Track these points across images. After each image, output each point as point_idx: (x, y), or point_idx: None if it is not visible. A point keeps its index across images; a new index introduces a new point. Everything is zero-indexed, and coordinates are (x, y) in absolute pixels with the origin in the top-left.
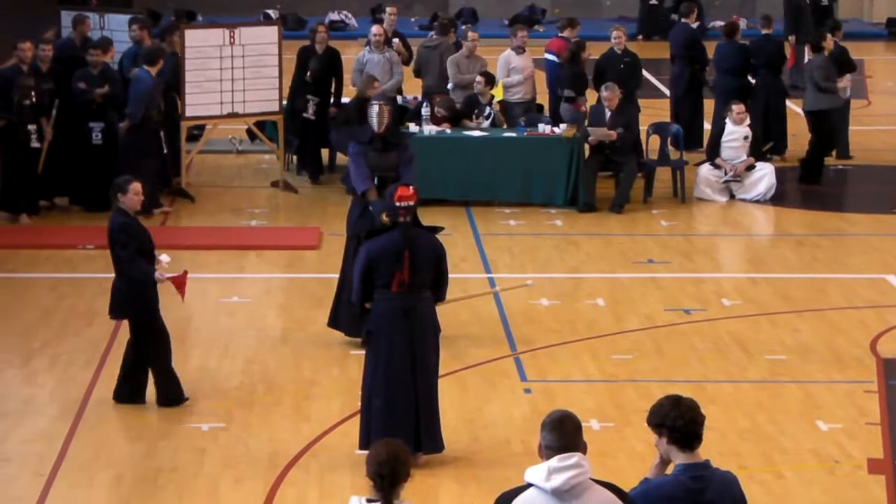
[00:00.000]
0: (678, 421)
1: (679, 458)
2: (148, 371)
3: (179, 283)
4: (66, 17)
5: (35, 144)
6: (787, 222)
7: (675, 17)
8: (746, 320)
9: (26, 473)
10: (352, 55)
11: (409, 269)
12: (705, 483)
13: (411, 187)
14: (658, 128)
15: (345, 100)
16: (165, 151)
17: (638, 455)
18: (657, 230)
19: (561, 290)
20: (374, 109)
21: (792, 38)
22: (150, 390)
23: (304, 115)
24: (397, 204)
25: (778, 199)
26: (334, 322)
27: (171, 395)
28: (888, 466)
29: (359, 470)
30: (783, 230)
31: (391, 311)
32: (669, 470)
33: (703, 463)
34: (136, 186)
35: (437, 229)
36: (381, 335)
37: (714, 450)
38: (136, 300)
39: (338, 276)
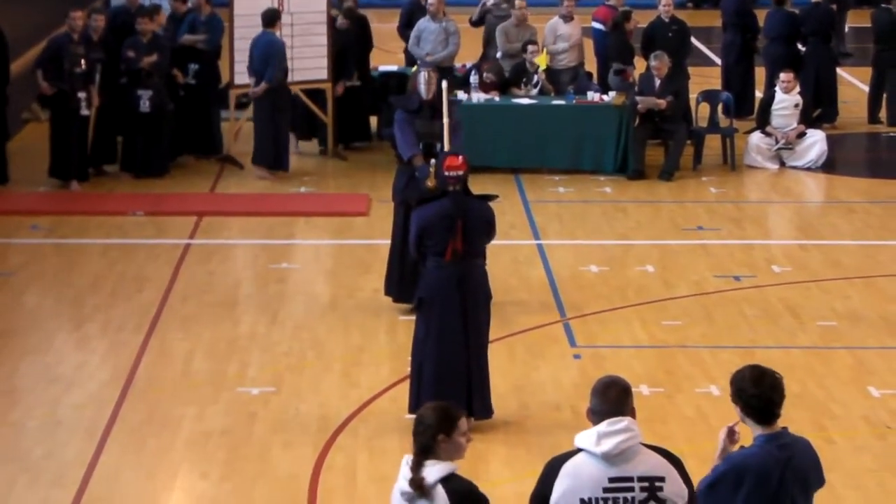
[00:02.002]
0: (753, 399)
1: (757, 430)
2: None
3: None
4: None
5: (85, 112)
6: (837, 189)
7: None
8: (796, 287)
9: (78, 437)
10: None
11: (462, 237)
12: (791, 451)
13: (460, 157)
14: (708, 95)
15: (387, 67)
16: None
17: (688, 420)
18: (707, 197)
19: (610, 257)
20: (423, 76)
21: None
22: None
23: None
24: (446, 173)
25: (829, 166)
26: (388, 289)
27: None
28: None
29: (407, 434)
30: (834, 197)
31: (444, 280)
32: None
33: (782, 431)
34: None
35: (490, 197)
36: (435, 303)
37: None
38: None
39: (389, 242)
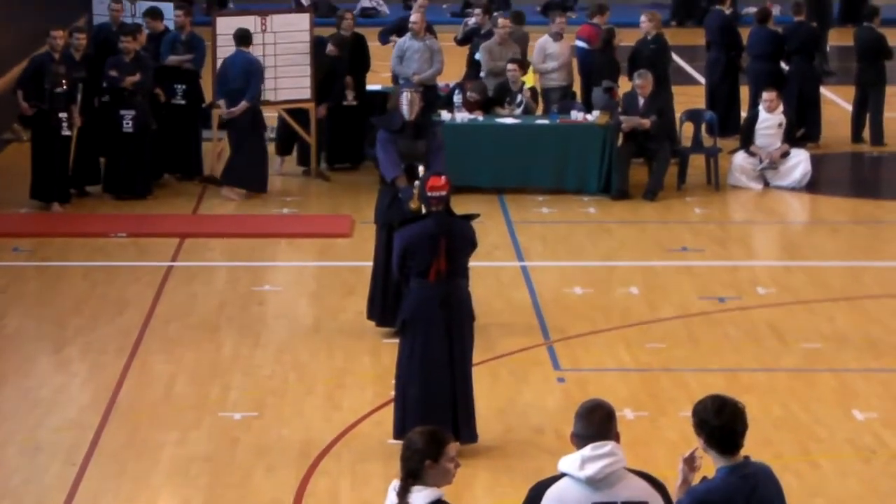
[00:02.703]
0: (716, 430)
1: (719, 461)
2: None
3: None
4: (99, 5)
5: (66, 132)
6: (822, 209)
7: (714, 7)
8: (781, 308)
9: (58, 462)
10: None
11: (446, 257)
12: (755, 481)
13: (443, 177)
14: (692, 115)
15: (373, 87)
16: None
17: (672, 444)
18: (691, 217)
19: (594, 278)
20: (405, 97)
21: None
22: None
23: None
24: (429, 194)
25: (813, 186)
26: (370, 313)
27: None
28: None
29: (392, 459)
30: (818, 217)
31: (428, 300)
32: (698, 477)
33: (745, 461)
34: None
35: (472, 216)
36: (418, 324)
37: (749, 439)
38: None
39: (370, 265)
